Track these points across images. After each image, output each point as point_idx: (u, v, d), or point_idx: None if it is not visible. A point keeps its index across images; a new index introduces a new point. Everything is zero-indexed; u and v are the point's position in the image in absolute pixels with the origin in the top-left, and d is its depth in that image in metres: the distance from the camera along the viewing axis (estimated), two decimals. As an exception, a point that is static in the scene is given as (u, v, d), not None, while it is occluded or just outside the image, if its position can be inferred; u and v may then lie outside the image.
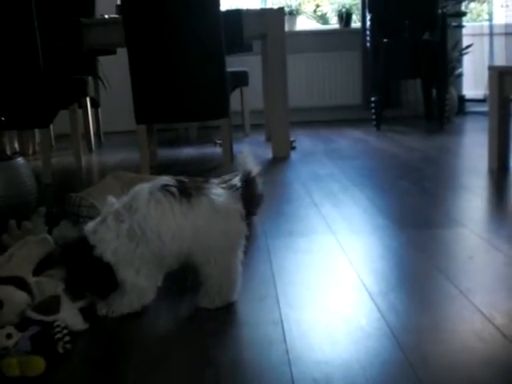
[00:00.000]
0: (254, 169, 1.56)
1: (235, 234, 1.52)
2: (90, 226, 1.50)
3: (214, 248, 1.48)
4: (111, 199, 1.54)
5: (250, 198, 1.55)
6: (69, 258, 1.50)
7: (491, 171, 3.16)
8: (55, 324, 1.35)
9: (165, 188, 1.47)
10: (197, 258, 1.49)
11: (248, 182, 1.55)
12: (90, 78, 4.80)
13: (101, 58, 5.26)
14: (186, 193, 1.47)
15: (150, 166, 3.62)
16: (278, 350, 1.29)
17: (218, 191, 1.52)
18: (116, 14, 4.37)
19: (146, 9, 3.34)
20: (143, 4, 3.33)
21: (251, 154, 1.59)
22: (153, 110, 3.49)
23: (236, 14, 3.72)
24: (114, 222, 1.46)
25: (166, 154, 4.49)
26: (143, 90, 3.45)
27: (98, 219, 1.51)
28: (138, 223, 1.45)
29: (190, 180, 1.52)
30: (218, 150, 4.41)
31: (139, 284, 1.49)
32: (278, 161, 3.85)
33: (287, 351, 1.29)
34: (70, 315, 1.42)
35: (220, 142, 4.03)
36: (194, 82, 3.44)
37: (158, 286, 1.56)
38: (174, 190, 1.46)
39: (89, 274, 1.47)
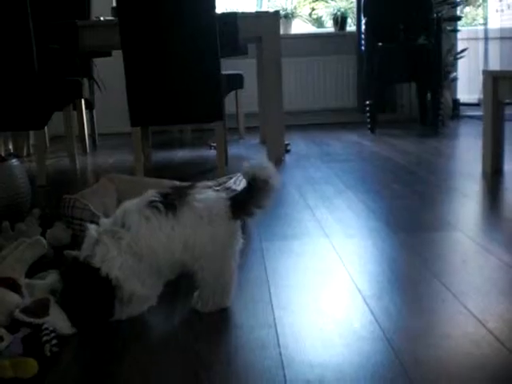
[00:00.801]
0: (270, 175, 1.54)
1: (223, 236, 1.51)
2: (84, 252, 1.49)
3: (204, 253, 1.49)
4: (91, 225, 1.54)
5: (253, 197, 1.54)
6: (76, 287, 1.48)
7: (485, 175, 3.17)
8: (43, 327, 1.35)
9: (151, 204, 1.49)
10: (189, 266, 1.51)
11: (256, 183, 1.53)
12: (84, 80, 4.80)
13: (96, 60, 5.26)
14: (170, 205, 1.49)
15: (144, 169, 3.62)
16: (271, 353, 1.30)
17: (201, 196, 1.52)
18: (111, 16, 4.37)
19: (141, 11, 3.34)
20: (139, 6, 3.33)
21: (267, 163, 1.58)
22: (147, 112, 3.48)
23: (231, 17, 3.72)
24: (112, 240, 1.47)
25: (160, 156, 4.49)
26: (138, 92, 3.44)
27: (88, 243, 1.49)
28: (134, 240, 1.47)
29: (174, 190, 1.54)
30: (213, 152, 4.41)
31: (145, 295, 1.52)
32: (273, 164, 3.84)
33: (281, 354, 1.29)
34: (58, 319, 1.42)
35: (214, 144, 4.03)
36: (189, 84, 3.44)
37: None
38: (159, 205, 1.49)
39: (100, 297, 1.47)
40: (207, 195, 1.53)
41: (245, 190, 1.56)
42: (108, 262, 1.45)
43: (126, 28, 3.37)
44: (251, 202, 1.54)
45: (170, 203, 1.50)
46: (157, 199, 1.50)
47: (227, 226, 1.52)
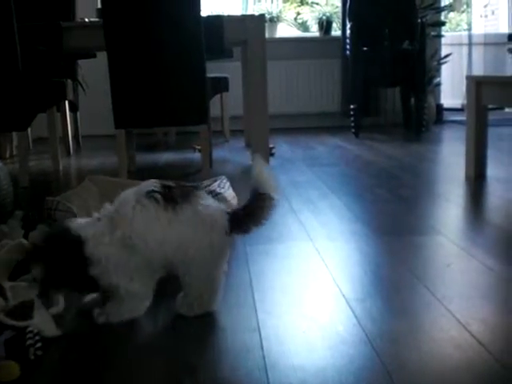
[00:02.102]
0: (271, 188, 1.53)
1: (218, 247, 1.49)
2: (80, 223, 1.48)
3: (196, 258, 1.46)
4: (108, 205, 1.52)
5: (252, 215, 1.53)
6: (52, 251, 1.46)
7: (468, 179, 3.19)
8: (27, 330, 1.34)
9: (150, 194, 1.45)
10: (179, 267, 1.48)
11: (257, 199, 1.51)
12: (69, 82, 4.78)
13: (80, 62, 5.23)
14: (171, 200, 1.45)
15: (128, 171, 3.60)
16: (254, 356, 1.29)
17: (205, 201, 1.49)
18: (96, 17, 4.35)
19: (126, 13, 3.33)
20: (124, 8, 3.32)
21: (266, 169, 1.55)
22: (132, 114, 3.47)
23: (217, 20, 3.72)
24: (108, 228, 1.45)
25: (144, 158, 4.47)
26: (122, 94, 3.43)
27: (92, 219, 1.49)
28: (126, 229, 1.44)
29: (177, 186, 1.50)
30: (197, 155, 4.41)
31: (134, 290, 1.48)
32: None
33: (264, 357, 1.29)
34: (43, 321, 1.40)
35: (199, 147, 4.03)
36: (174, 87, 3.43)
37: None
38: (159, 196, 1.44)
39: (70, 266, 1.45)
40: (210, 202, 1.50)
41: (247, 205, 1.53)
42: (97, 245, 1.43)
43: (111, 30, 3.35)
44: (250, 220, 1.53)
45: (172, 197, 1.45)
46: (157, 190, 1.46)
47: (224, 237, 1.49)
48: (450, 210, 2.59)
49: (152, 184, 1.49)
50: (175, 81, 3.42)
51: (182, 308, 1.54)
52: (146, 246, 1.44)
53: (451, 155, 4.16)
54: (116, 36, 3.36)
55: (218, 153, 4.55)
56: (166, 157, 4.55)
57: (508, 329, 1.39)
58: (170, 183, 1.50)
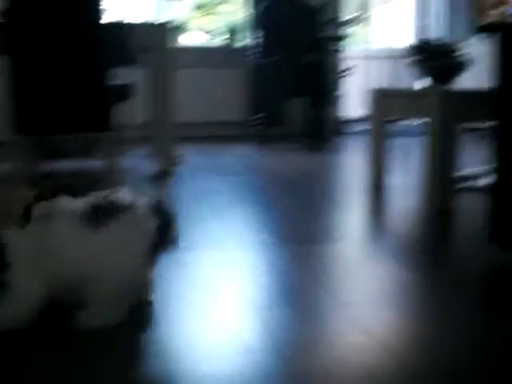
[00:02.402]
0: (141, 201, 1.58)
1: (141, 262, 1.51)
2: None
3: (120, 273, 1.46)
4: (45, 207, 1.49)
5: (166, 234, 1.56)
6: None
7: (370, 188, 3.28)
8: None
9: (82, 212, 1.46)
10: (96, 280, 1.46)
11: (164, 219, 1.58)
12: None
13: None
14: (98, 220, 1.46)
15: (29, 179, 3.50)
16: (164, 365, 1.28)
17: (131, 217, 1.50)
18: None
19: (29, 16, 3.24)
20: (27, 12, 3.23)
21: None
22: (32, 121, 3.37)
23: (120, 27, 3.68)
24: (35, 234, 1.43)
25: (48, 166, 4.36)
26: (22, 100, 3.33)
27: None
28: (53, 244, 1.43)
29: (104, 204, 1.50)
30: (101, 163, 4.33)
31: (30, 293, 1.44)
32: (165, 175, 3.83)
33: (174, 366, 1.28)
34: None
35: (100, 155, 3.96)
36: (74, 93, 3.36)
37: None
38: (89, 214, 1.46)
39: None
40: (137, 217, 1.51)
41: (160, 227, 1.56)
42: (15, 243, 1.42)
43: (13, 33, 3.25)
44: (167, 239, 1.57)
45: (99, 217, 1.46)
46: (88, 207, 1.47)
47: (147, 256, 1.52)
48: (351, 218, 2.66)
49: (80, 202, 1.49)
50: (75, 87, 3.35)
51: (82, 321, 1.49)
52: (72, 263, 1.43)
53: (354, 165, 4.27)
54: (17, 40, 3.26)
55: (123, 161, 4.49)
56: (69, 165, 4.45)
57: (412, 334, 1.44)
58: (97, 201, 1.51)
